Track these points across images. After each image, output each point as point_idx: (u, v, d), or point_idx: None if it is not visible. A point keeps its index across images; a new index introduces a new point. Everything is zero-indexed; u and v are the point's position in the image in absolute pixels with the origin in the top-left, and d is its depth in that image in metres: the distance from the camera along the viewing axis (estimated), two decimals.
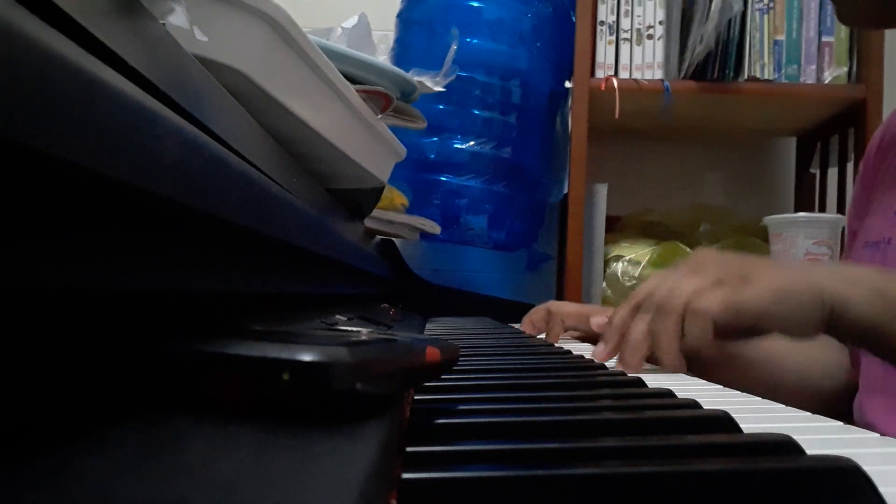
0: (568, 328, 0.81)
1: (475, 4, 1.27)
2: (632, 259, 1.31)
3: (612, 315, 0.54)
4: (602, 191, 1.32)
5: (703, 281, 0.49)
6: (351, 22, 0.78)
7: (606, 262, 1.33)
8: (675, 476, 0.19)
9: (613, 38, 1.30)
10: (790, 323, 0.48)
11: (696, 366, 0.56)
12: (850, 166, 1.33)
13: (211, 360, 0.19)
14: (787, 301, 0.47)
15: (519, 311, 0.93)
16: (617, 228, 1.41)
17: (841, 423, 0.30)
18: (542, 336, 0.80)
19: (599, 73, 1.29)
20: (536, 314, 0.85)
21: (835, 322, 0.48)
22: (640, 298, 0.52)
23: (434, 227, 1.14)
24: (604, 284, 1.31)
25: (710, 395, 0.37)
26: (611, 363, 0.50)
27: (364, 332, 0.31)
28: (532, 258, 1.44)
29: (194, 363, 0.19)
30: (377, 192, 0.73)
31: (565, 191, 1.34)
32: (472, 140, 1.27)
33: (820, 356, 0.73)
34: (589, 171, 1.27)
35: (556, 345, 0.64)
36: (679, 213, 1.46)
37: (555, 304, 0.84)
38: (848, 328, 0.48)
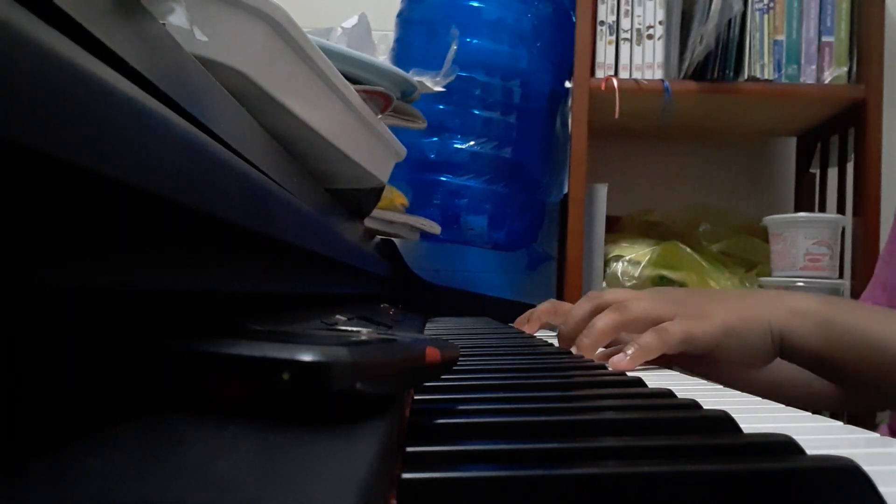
0: (554, 324, 0.84)
1: (475, 4, 1.27)
2: (632, 259, 1.31)
3: (573, 310, 0.59)
4: (602, 191, 1.32)
5: (666, 310, 0.54)
6: (351, 22, 0.78)
7: (606, 262, 1.33)
8: (675, 476, 0.19)
9: (613, 38, 1.30)
10: (741, 354, 0.53)
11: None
12: (850, 166, 1.33)
13: (211, 360, 0.19)
14: (737, 335, 0.52)
15: (519, 311, 0.93)
16: (617, 228, 1.41)
17: (841, 423, 0.30)
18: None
19: (599, 73, 1.29)
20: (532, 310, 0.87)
21: (784, 350, 0.53)
22: (602, 302, 0.57)
23: (434, 227, 1.14)
24: (604, 284, 1.31)
25: (710, 395, 0.37)
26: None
27: (364, 332, 0.31)
28: (532, 258, 1.44)
29: (194, 363, 0.19)
30: (377, 192, 0.73)
31: (565, 191, 1.34)
32: (472, 140, 1.27)
33: None
34: (589, 171, 1.27)
35: (557, 345, 0.64)
36: (679, 213, 1.46)
37: (555, 301, 0.87)
38: (795, 355, 0.54)
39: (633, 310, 0.54)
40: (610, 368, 0.48)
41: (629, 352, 0.49)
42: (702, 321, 0.52)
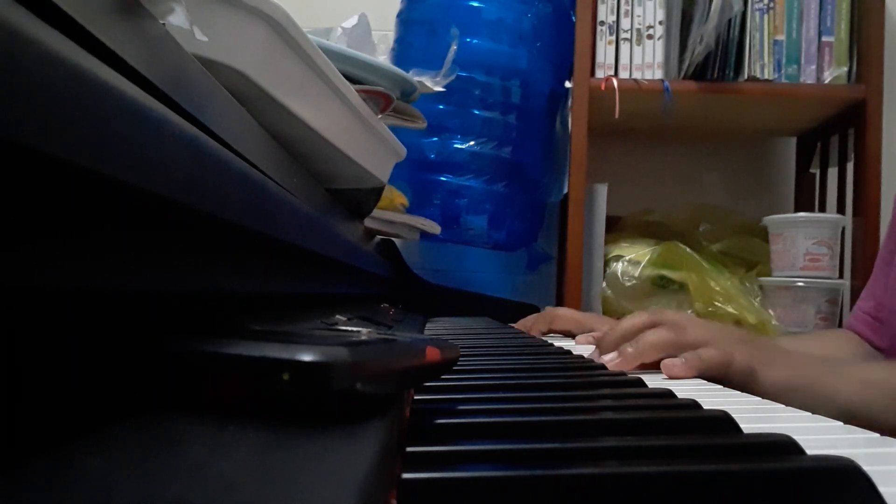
0: (556, 330, 0.83)
1: (475, 4, 1.27)
2: (632, 259, 1.31)
3: (625, 319, 0.55)
4: (602, 191, 1.32)
5: (726, 344, 0.49)
6: (351, 22, 0.78)
7: (606, 262, 1.33)
8: (675, 476, 0.19)
9: (613, 38, 1.30)
10: None
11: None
12: (850, 166, 1.33)
13: (211, 360, 0.19)
14: (800, 395, 0.47)
15: (519, 311, 0.93)
16: (617, 228, 1.41)
17: (841, 424, 0.30)
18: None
19: (599, 73, 1.29)
20: (531, 317, 0.87)
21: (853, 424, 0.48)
22: (659, 319, 0.53)
23: (434, 227, 1.14)
24: (604, 284, 1.31)
25: (710, 395, 0.37)
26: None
27: (364, 332, 0.31)
28: (532, 258, 1.44)
29: (194, 363, 0.19)
30: (377, 192, 0.73)
31: (565, 191, 1.34)
32: (472, 140, 1.27)
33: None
34: (589, 171, 1.27)
35: (557, 345, 0.64)
36: (679, 213, 1.45)
37: (552, 308, 0.86)
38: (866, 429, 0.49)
39: (689, 334, 0.50)
40: (664, 374, 0.46)
41: (686, 356, 0.46)
42: (770, 366, 0.49)
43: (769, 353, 0.51)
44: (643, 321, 0.53)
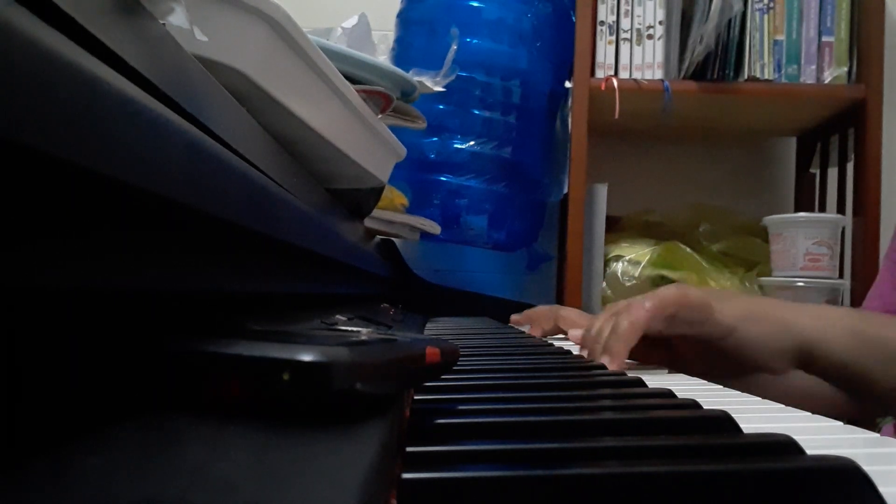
0: (561, 330, 0.83)
1: (475, 4, 1.27)
2: (632, 259, 1.31)
3: (600, 321, 0.55)
4: (602, 191, 1.32)
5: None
6: (351, 22, 0.78)
7: (606, 262, 1.33)
8: (675, 476, 0.19)
9: (613, 38, 1.30)
10: (759, 348, 0.50)
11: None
12: (850, 166, 1.33)
13: (211, 360, 0.19)
14: (758, 323, 0.49)
15: (519, 311, 0.93)
16: (617, 228, 1.41)
17: (841, 423, 0.30)
18: (527, 328, 0.83)
19: (599, 73, 1.29)
20: (537, 311, 0.86)
21: (809, 359, 0.50)
22: (617, 307, 0.53)
23: (434, 227, 1.14)
24: (604, 284, 1.31)
25: (710, 395, 0.37)
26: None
27: (364, 332, 0.31)
28: (532, 258, 1.44)
29: (194, 363, 0.19)
30: (377, 192, 0.73)
31: (565, 191, 1.34)
32: (472, 140, 1.27)
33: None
34: (589, 171, 1.27)
35: (557, 345, 0.64)
36: (679, 213, 1.45)
37: (558, 306, 0.86)
38: (823, 366, 0.50)
39: (658, 294, 0.50)
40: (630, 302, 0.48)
41: (647, 296, 0.48)
42: (726, 302, 0.50)
43: (727, 293, 0.54)
44: (619, 308, 0.53)
